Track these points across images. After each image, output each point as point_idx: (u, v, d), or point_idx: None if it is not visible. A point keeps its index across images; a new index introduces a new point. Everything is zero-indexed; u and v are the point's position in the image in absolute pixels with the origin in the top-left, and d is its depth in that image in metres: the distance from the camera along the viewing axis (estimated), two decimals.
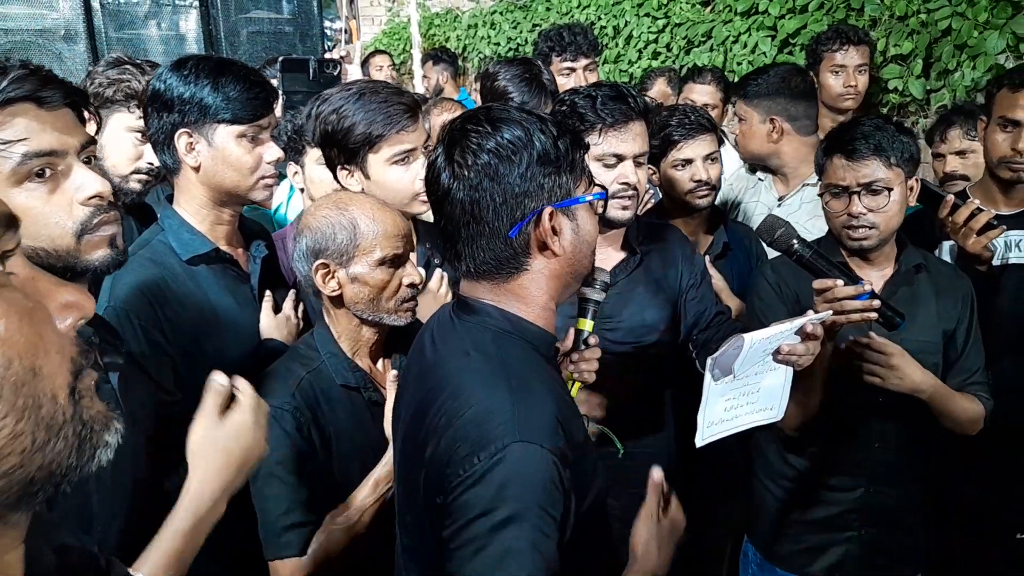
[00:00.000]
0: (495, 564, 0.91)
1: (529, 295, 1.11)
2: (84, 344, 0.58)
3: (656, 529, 1.19)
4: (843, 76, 2.85)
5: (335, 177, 1.81)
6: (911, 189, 1.75)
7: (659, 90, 3.73)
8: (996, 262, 2.00)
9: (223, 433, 1.10)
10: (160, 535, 1.05)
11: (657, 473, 1.21)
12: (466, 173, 1.05)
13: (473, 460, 0.95)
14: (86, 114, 1.17)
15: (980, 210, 1.90)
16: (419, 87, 5.86)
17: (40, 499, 0.54)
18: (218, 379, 1.12)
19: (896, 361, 1.65)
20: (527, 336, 1.10)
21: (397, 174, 1.74)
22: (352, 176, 1.76)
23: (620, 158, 1.74)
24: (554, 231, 1.07)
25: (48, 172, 1.07)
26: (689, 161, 2.21)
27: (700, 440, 1.44)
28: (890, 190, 1.69)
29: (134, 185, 2.02)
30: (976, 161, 2.47)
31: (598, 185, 1.13)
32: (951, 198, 1.94)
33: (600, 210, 1.14)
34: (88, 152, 1.13)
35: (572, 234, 1.09)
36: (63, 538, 0.74)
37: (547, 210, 1.05)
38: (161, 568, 1.03)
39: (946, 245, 2.15)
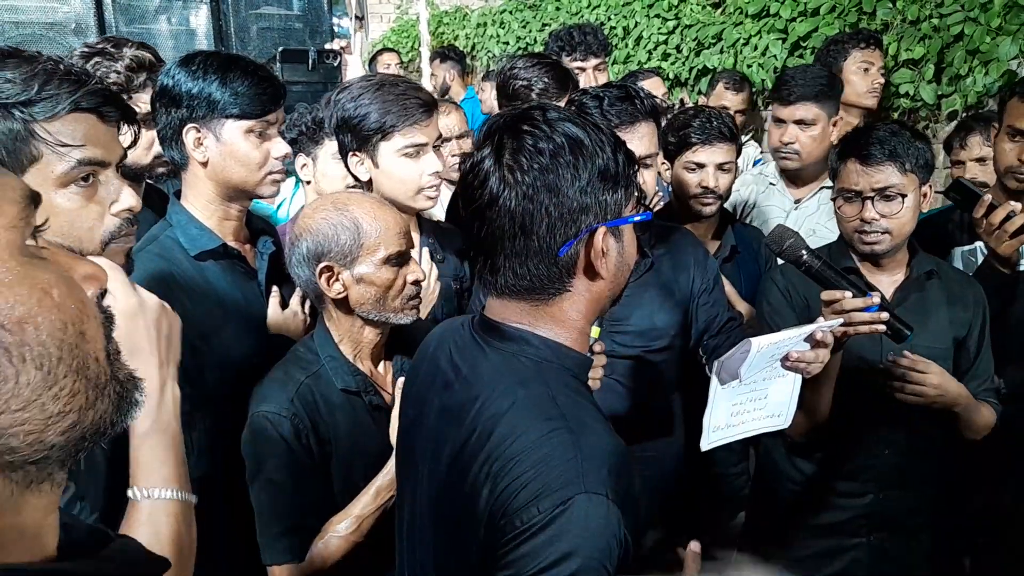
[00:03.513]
0: None
1: (568, 319, 1.01)
2: (106, 314, 0.63)
3: None
4: (872, 74, 2.87)
5: (345, 164, 1.85)
6: (924, 196, 1.74)
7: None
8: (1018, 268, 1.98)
9: (124, 330, 1.00)
10: (132, 444, 1.00)
11: (695, 545, 1.13)
12: (520, 178, 0.93)
13: (533, 511, 0.86)
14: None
15: (1013, 213, 1.86)
16: (426, 85, 5.86)
17: (80, 456, 0.58)
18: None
19: (936, 380, 1.66)
20: (568, 364, 1.01)
21: (406, 166, 1.79)
22: (362, 164, 1.82)
23: None
24: (602, 252, 0.98)
25: (91, 179, 1.15)
26: (701, 166, 2.19)
27: (705, 444, 1.44)
28: (904, 196, 1.68)
29: (160, 169, 2.03)
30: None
31: (643, 205, 1.08)
32: (988, 198, 1.89)
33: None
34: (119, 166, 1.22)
35: (617, 255, 1.01)
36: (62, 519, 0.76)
37: (601, 229, 0.96)
38: (153, 469, 0.99)
39: (957, 252, 2.13)
